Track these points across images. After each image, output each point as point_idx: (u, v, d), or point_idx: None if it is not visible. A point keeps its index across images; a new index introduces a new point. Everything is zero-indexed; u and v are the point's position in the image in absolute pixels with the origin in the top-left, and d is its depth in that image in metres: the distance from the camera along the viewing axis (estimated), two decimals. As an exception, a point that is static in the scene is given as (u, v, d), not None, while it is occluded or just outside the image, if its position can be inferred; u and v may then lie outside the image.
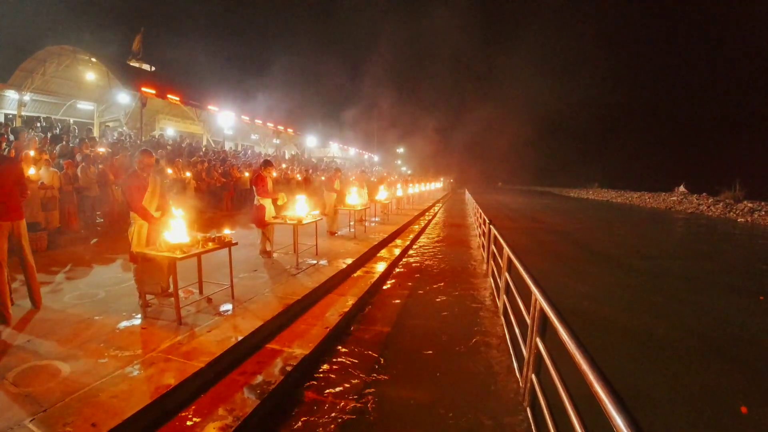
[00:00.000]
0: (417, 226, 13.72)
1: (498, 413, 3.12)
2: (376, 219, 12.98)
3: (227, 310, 4.30)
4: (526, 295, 3.03)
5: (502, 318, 4.79)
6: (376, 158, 49.75)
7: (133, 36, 22.66)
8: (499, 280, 5.12)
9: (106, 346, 3.36)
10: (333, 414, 3.12)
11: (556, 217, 26.46)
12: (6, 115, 17.08)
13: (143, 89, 16.55)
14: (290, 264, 6.31)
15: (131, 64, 21.49)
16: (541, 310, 2.53)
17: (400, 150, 58.77)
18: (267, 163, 6.88)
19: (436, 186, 41.77)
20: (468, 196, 28.23)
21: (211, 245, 4.26)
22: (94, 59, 16.83)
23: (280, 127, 27.56)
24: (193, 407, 2.84)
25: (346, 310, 4.98)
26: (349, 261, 6.83)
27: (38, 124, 15.21)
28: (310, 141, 32.16)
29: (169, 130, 23.06)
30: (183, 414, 2.76)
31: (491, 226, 6.96)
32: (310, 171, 18.49)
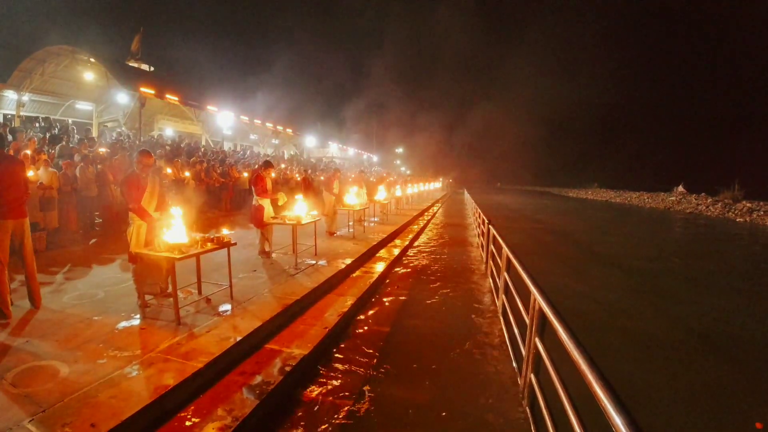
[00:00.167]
0: (416, 226, 13.72)
1: (497, 413, 3.13)
2: (375, 219, 12.98)
3: (226, 311, 4.30)
4: (525, 295, 3.03)
5: (501, 318, 4.79)
6: (375, 158, 49.76)
7: (132, 36, 22.65)
8: (498, 280, 5.12)
9: (105, 347, 3.36)
10: (332, 414, 3.12)
11: (555, 217, 26.49)
12: (5, 116, 17.04)
13: (142, 89, 16.53)
14: (289, 264, 6.31)
15: (130, 64, 21.46)
16: (540, 309, 2.54)
17: (399, 150, 58.79)
18: (267, 164, 6.88)
19: (435, 186, 41.81)
20: (467, 196, 28.25)
21: (210, 246, 4.25)
22: (92, 59, 16.80)
23: (279, 128, 27.55)
24: (192, 407, 2.84)
25: (345, 310, 4.98)
26: (348, 261, 6.83)
27: (37, 125, 15.18)
28: (309, 141, 32.15)
29: (168, 130, 23.03)
30: (182, 414, 2.76)
31: (490, 225, 6.97)
32: (309, 171, 18.49)
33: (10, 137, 9.45)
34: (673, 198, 36.88)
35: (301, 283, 5.46)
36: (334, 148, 38.48)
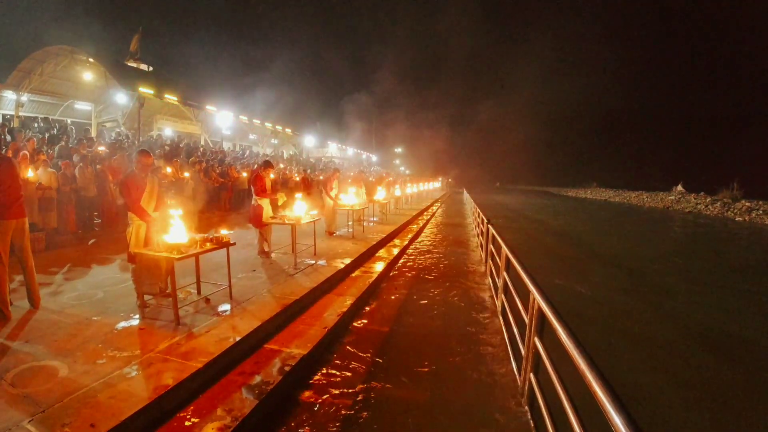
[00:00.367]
0: (415, 226, 13.72)
1: (496, 413, 3.13)
2: (375, 219, 12.97)
3: (225, 311, 4.30)
4: (525, 295, 3.03)
5: (501, 317, 4.80)
6: (374, 158, 49.75)
7: (131, 36, 22.62)
8: (497, 280, 5.12)
9: (105, 347, 3.35)
10: (331, 414, 3.12)
11: (555, 217, 26.50)
12: (4, 116, 17.03)
13: (141, 89, 16.53)
14: (288, 264, 6.31)
15: (129, 64, 21.43)
16: (540, 309, 2.54)
17: (399, 150, 58.78)
18: (267, 164, 6.87)
19: (434, 186, 41.81)
20: (466, 195, 28.26)
21: (209, 245, 4.25)
22: (91, 59, 16.79)
23: (278, 127, 27.54)
24: (192, 407, 2.84)
25: (345, 310, 4.98)
26: (348, 261, 6.82)
27: (36, 125, 15.17)
28: (309, 141, 32.14)
29: (167, 130, 23.02)
30: (181, 414, 2.76)
31: (489, 225, 6.97)
32: (309, 171, 18.48)
33: (8, 137, 9.45)
34: (672, 197, 36.89)
35: (301, 283, 5.45)
36: (333, 148, 38.47)
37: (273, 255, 6.80)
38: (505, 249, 4.56)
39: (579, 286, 8.90)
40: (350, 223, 9.72)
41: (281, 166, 18.89)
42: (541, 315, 2.54)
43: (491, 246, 6.74)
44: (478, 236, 10.29)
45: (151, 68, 22.88)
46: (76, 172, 7.97)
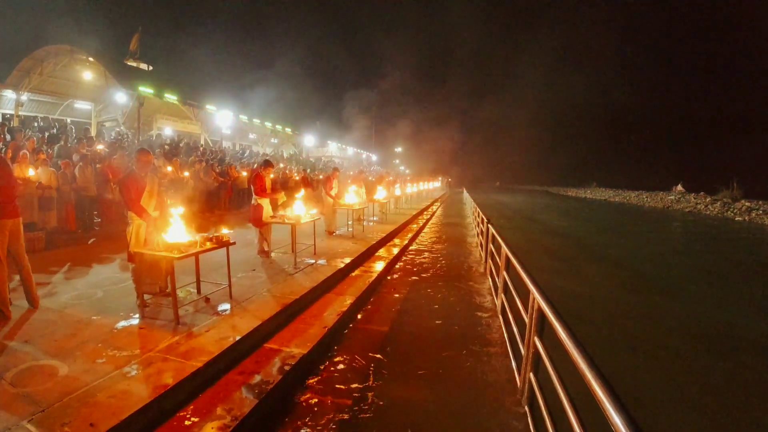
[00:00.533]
0: (415, 226, 13.72)
1: (496, 413, 3.13)
2: (375, 218, 12.97)
3: (225, 310, 4.30)
4: (525, 295, 3.03)
5: (501, 317, 4.80)
6: (374, 157, 49.73)
7: (131, 35, 22.61)
8: (497, 280, 5.12)
9: (104, 346, 3.35)
10: (331, 413, 3.12)
11: (555, 217, 26.51)
12: (3, 115, 17.02)
13: (140, 89, 16.52)
14: (288, 263, 6.31)
15: (129, 63, 21.43)
16: (540, 309, 2.54)
17: (399, 149, 58.75)
18: (267, 163, 6.87)
19: (434, 185, 41.80)
20: (466, 195, 28.25)
21: (209, 245, 4.25)
22: (91, 59, 16.78)
23: (278, 127, 27.52)
24: (192, 407, 2.84)
25: (345, 309, 4.98)
26: (348, 260, 6.82)
27: (35, 124, 15.18)
28: (308, 140, 32.12)
29: (167, 129, 23.00)
30: (181, 414, 2.76)
31: (489, 225, 6.97)
32: (308, 170, 18.48)
33: (8, 137, 9.45)
34: (672, 197, 36.92)
35: (300, 282, 5.45)
36: (333, 147, 38.44)
37: (273, 254, 6.80)
38: (504, 248, 4.56)
39: (579, 286, 8.90)
40: (350, 222, 9.73)
41: (281, 165, 18.88)
42: (541, 315, 2.54)
43: (491, 245, 6.74)
44: (477, 236, 10.30)
45: (150, 67, 22.88)
46: (76, 172, 7.97)
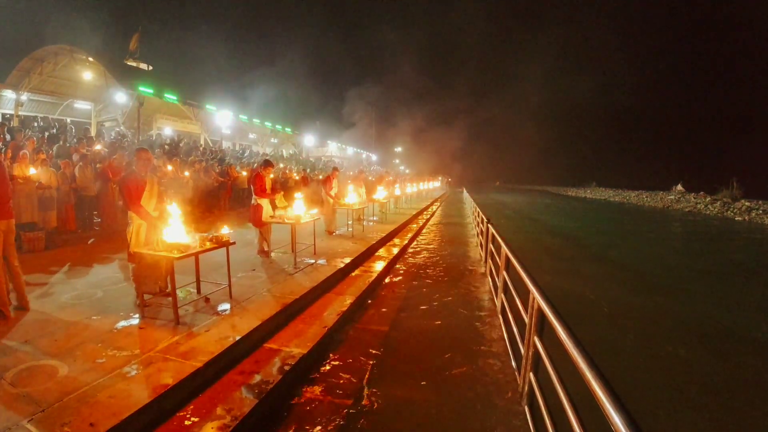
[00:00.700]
0: (415, 225, 13.72)
1: (496, 412, 3.13)
2: (374, 218, 12.97)
3: (225, 310, 4.30)
4: (524, 294, 3.03)
5: (501, 317, 4.80)
6: (374, 157, 49.72)
7: (131, 35, 22.60)
8: (497, 279, 5.12)
9: (104, 346, 3.35)
10: (331, 413, 3.12)
11: (555, 217, 26.51)
12: (3, 115, 17.03)
13: (140, 88, 16.52)
14: (288, 263, 6.31)
15: (128, 63, 21.43)
16: (539, 309, 2.54)
17: (398, 149, 58.74)
18: (267, 163, 6.87)
19: (434, 185, 41.78)
20: (466, 195, 28.24)
21: (209, 245, 4.25)
22: (91, 59, 16.77)
23: (278, 127, 27.51)
24: (191, 407, 2.84)
25: (344, 309, 4.98)
26: (347, 260, 6.82)
27: (35, 124, 15.17)
28: (308, 140, 32.11)
29: (167, 129, 23.00)
30: (181, 413, 2.76)
31: (489, 225, 6.97)
32: (308, 170, 18.48)
33: (8, 137, 9.44)
34: (672, 197, 36.92)
35: (300, 282, 5.45)
36: (333, 147, 38.43)
37: (273, 254, 6.80)
38: (504, 248, 4.56)
39: (579, 286, 8.91)
40: (350, 222, 9.73)
41: (281, 165, 18.87)
42: (541, 314, 2.54)
43: (491, 245, 6.74)
44: (477, 235, 10.29)
45: (150, 67, 22.87)
46: (76, 172, 7.97)
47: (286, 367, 3.46)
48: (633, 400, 4.19)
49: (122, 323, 3.85)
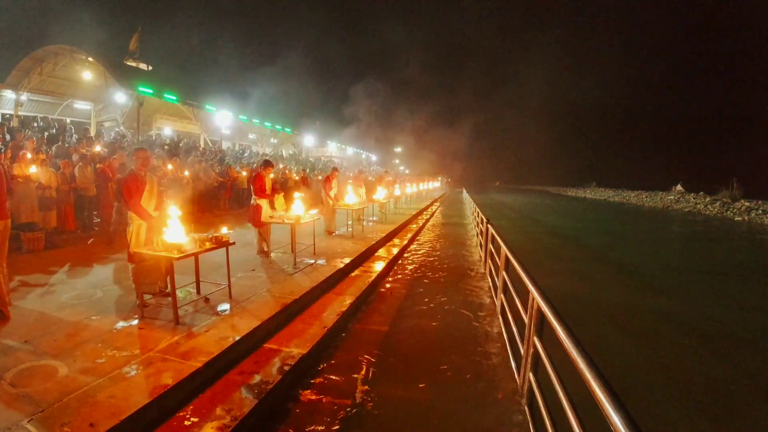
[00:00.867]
0: (415, 225, 13.72)
1: (496, 412, 3.13)
2: (374, 218, 12.97)
3: (225, 310, 4.30)
4: (524, 295, 3.03)
5: (500, 317, 4.80)
6: (374, 157, 49.72)
7: (130, 35, 22.60)
8: (496, 280, 5.12)
9: (104, 346, 3.35)
10: (331, 413, 3.12)
11: (554, 217, 26.52)
12: (3, 115, 17.03)
13: (140, 89, 16.52)
14: (288, 263, 6.31)
15: (128, 63, 21.42)
16: (539, 309, 2.54)
17: (398, 149, 58.75)
18: (267, 163, 6.88)
19: (434, 185, 41.79)
20: (466, 195, 28.24)
21: (208, 245, 4.25)
22: (91, 59, 16.77)
23: (278, 127, 27.51)
24: (191, 407, 2.84)
25: (344, 309, 4.98)
26: (347, 260, 6.82)
27: (35, 124, 15.16)
28: (308, 140, 32.11)
29: (166, 129, 23.01)
30: (181, 414, 2.76)
31: (489, 225, 6.97)
32: (307, 170, 18.48)
33: (8, 137, 9.44)
34: (672, 197, 36.95)
35: (300, 282, 5.45)
36: (333, 147, 38.42)
37: (272, 254, 6.80)
38: (504, 249, 4.56)
39: (579, 287, 8.91)
40: (350, 222, 9.73)
41: (281, 166, 18.87)
42: (541, 314, 2.54)
43: (491, 246, 6.74)
44: (477, 236, 10.30)
45: (150, 67, 22.87)
46: (76, 172, 7.97)
47: (286, 368, 3.46)
48: (632, 400, 4.19)
49: (122, 323, 3.85)
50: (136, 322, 3.91)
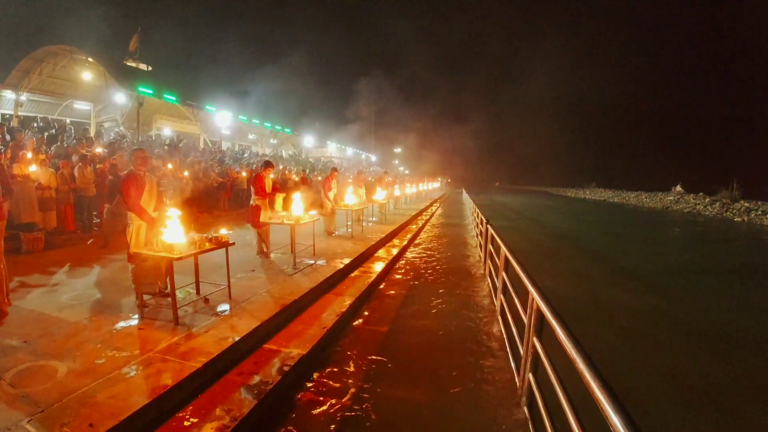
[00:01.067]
0: (414, 226, 13.73)
1: (495, 413, 3.13)
2: (374, 219, 12.97)
3: (224, 311, 4.30)
4: (524, 295, 3.04)
5: (500, 318, 4.80)
6: (373, 158, 49.74)
7: (130, 36, 22.61)
8: (496, 280, 5.12)
9: (104, 347, 3.35)
10: (330, 414, 3.12)
11: (553, 218, 26.52)
12: (3, 116, 17.03)
13: (140, 89, 16.52)
14: (288, 264, 6.31)
15: (128, 63, 21.44)
16: (538, 309, 2.54)
17: (398, 150, 58.78)
18: (267, 164, 6.88)
19: (433, 186, 41.79)
20: (465, 195, 28.24)
21: (208, 245, 4.25)
22: (91, 59, 16.79)
23: (278, 127, 27.51)
24: (191, 408, 2.84)
25: (344, 310, 4.98)
26: (347, 261, 6.82)
27: (35, 124, 15.16)
28: (308, 141, 32.12)
29: (166, 130, 23.02)
30: (180, 414, 2.76)
31: (488, 225, 6.97)
32: (307, 171, 18.49)
33: (8, 137, 9.44)
34: (671, 198, 36.97)
35: (300, 283, 5.45)
36: (332, 148, 38.43)
37: (272, 255, 6.80)
38: (504, 249, 4.56)
39: (578, 287, 8.91)
40: (349, 223, 9.73)
41: (280, 166, 18.88)
42: (540, 315, 2.54)
43: (490, 246, 6.74)
44: (477, 236, 10.30)
45: (150, 68, 22.89)
46: (75, 172, 7.97)
47: (286, 368, 3.46)
48: (632, 400, 4.20)
49: (121, 324, 3.85)
50: (135, 322, 3.91)
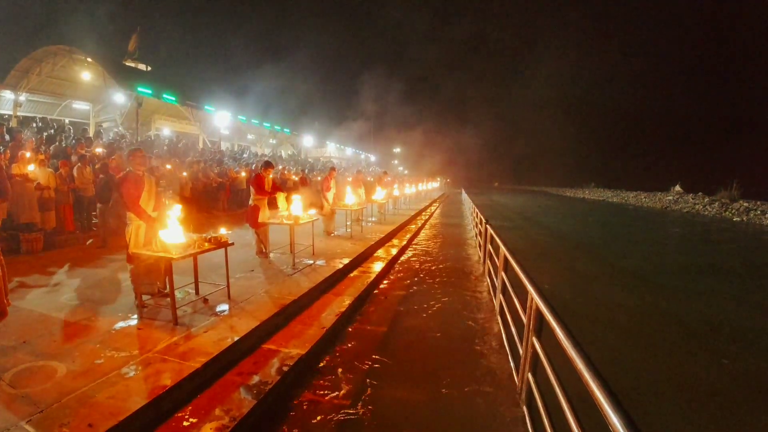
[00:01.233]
0: (414, 226, 13.73)
1: (495, 413, 3.13)
2: (373, 219, 12.97)
3: (223, 311, 4.30)
4: (523, 295, 3.04)
5: (499, 317, 4.80)
6: (373, 158, 49.73)
7: (129, 36, 22.60)
8: (495, 280, 5.12)
9: (103, 347, 3.35)
10: (329, 414, 3.12)
11: (553, 218, 26.52)
12: (2, 116, 17.01)
13: (139, 89, 16.51)
14: (287, 264, 6.30)
15: (127, 64, 21.42)
16: (537, 309, 2.54)
17: (397, 150, 58.79)
18: (267, 164, 6.88)
19: (432, 186, 41.79)
20: (464, 195, 28.25)
21: (207, 245, 4.25)
22: (90, 59, 16.78)
23: (277, 127, 27.50)
24: (190, 408, 2.84)
25: (343, 310, 4.98)
26: (346, 261, 6.82)
27: (34, 125, 15.15)
28: (307, 141, 32.11)
29: (165, 130, 23.01)
30: (179, 414, 2.75)
31: (487, 225, 6.97)
32: (306, 171, 18.48)
33: (7, 137, 9.43)
34: (671, 197, 36.96)
35: (299, 283, 5.45)
36: (331, 148, 38.42)
37: (271, 255, 6.80)
38: (503, 249, 4.56)
39: (577, 286, 8.91)
40: (349, 223, 9.73)
41: (279, 166, 18.87)
42: (539, 315, 2.54)
43: (489, 246, 6.74)
44: (476, 236, 10.30)
45: (149, 68, 22.86)
46: (74, 172, 7.96)
47: (285, 368, 3.46)
48: (631, 400, 4.20)
49: (121, 324, 3.85)
50: (134, 322, 3.91)
